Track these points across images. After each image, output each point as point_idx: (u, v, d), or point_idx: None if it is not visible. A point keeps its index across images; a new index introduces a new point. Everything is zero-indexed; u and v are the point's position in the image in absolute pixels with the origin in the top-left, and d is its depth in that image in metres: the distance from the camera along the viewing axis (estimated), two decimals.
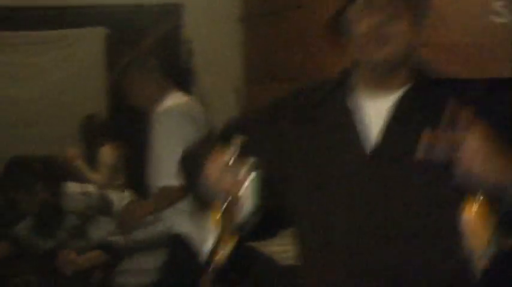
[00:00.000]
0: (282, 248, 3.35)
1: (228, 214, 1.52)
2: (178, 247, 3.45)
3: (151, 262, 3.59)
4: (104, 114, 6.11)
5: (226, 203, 1.52)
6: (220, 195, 1.53)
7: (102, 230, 3.62)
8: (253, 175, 1.53)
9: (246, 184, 1.52)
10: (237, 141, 1.55)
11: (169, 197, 3.31)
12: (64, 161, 5.30)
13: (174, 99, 3.50)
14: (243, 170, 1.54)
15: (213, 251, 1.54)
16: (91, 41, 6.66)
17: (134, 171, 5.74)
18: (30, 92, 6.59)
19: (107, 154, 5.93)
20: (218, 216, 1.54)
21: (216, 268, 1.54)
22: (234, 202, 1.51)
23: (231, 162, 1.54)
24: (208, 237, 1.55)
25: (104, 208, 3.64)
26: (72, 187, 3.65)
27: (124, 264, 3.68)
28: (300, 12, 6.13)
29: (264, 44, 7.00)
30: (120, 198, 3.81)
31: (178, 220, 3.45)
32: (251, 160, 1.55)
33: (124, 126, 6.63)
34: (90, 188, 3.74)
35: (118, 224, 3.58)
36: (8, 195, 3.70)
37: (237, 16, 7.32)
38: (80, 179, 4.08)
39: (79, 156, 5.53)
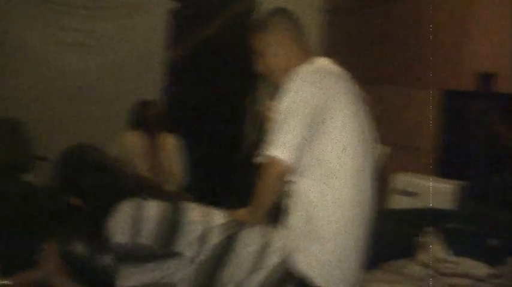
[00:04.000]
0: None
1: None
2: None
3: None
4: (159, 103, 5.45)
5: None
6: None
7: None
8: None
9: None
10: None
11: (275, 174, 2.48)
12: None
13: (315, 63, 2.70)
14: None
15: None
16: (155, 12, 6.14)
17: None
18: (86, 62, 6.13)
19: (166, 143, 5.32)
20: None
21: None
22: None
23: None
24: None
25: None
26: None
27: None
28: (384, 9, 5.55)
29: (345, 41, 6.39)
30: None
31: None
32: None
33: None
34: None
35: None
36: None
37: (320, 7, 6.70)
38: None
39: None
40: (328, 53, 6.23)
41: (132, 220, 2.43)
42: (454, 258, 3.57)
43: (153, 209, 2.47)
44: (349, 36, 6.24)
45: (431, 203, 4.37)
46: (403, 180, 4.57)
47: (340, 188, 2.52)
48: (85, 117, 6.07)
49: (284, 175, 2.50)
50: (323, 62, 2.72)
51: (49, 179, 2.77)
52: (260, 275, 2.47)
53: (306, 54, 2.77)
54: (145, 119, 5.18)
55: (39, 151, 5.40)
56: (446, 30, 4.61)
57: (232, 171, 6.28)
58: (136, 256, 2.41)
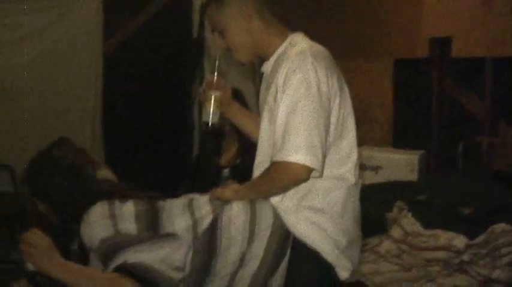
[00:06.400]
0: None
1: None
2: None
3: None
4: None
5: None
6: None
7: None
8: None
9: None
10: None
11: (296, 178, 2.25)
12: None
13: (300, 43, 2.39)
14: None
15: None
16: (88, 3, 5.81)
17: None
18: (13, 60, 5.67)
19: None
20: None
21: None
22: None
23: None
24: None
25: None
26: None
27: None
28: None
29: (292, 14, 6.23)
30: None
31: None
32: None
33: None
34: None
35: None
36: None
37: None
38: None
39: None
40: None
41: (110, 214, 2.26)
42: (427, 231, 3.47)
43: (128, 203, 2.32)
44: (296, 10, 6.11)
45: (394, 176, 4.28)
46: (363, 154, 4.46)
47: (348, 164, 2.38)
48: (18, 115, 5.65)
49: (307, 179, 2.26)
50: (307, 41, 2.41)
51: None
52: (259, 248, 2.29)
53: (276, 27, 2.44)
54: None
55: None
56: None
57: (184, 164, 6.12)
58: (122, 245, 2.22)
